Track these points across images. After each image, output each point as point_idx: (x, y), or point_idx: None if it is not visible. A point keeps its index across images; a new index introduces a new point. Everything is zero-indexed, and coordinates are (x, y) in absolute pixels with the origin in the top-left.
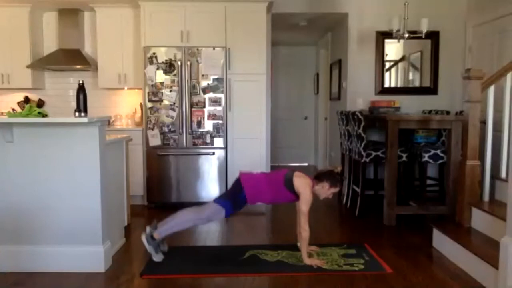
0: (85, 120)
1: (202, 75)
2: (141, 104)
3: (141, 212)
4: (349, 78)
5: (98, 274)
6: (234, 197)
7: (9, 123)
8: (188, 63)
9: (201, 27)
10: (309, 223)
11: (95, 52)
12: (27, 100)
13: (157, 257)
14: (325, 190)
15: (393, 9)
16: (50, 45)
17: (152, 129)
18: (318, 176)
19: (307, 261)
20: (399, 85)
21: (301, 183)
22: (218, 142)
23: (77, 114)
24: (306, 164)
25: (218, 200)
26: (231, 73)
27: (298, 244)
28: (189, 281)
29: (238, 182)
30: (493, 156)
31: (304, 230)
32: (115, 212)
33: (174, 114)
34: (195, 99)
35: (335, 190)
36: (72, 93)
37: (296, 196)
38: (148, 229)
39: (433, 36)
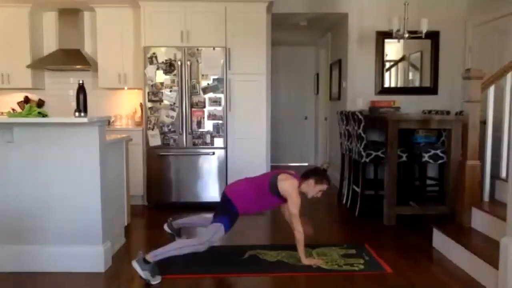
0: (85, 120)
1: (202, 75)
2: (141, 104)
3: (141, 212)
4: (349, 78)
5: (98, 274)
6: (228, 211)
7: (9, 123)
8: (188, 63)
9: (201, 27)
10: (308, 223)
11: (95, 52)
12: (27, 100)
13: (155, 280)
14: (312, 188)
15: (393, 9)
16: (50, 45)
17: (152, 129)
18: (304, 175)
19: (306, 261)
20: (399, 85)
21: (286, 186)
22: (218, 142)
23: (77, 114)
24: (306, 164)
25: (213, 220)
26: (231, 73)
27: None
28: (189, 281)
29: (224, 196)
30: (493, 156)
31: (297, 232)
32: (115, 212)
33: (174, 114)
34: (195, 99)
35: (322, 187)
36: (72, 93)
37: (283, 199)
38: (138, 255)
39: (433, 36)
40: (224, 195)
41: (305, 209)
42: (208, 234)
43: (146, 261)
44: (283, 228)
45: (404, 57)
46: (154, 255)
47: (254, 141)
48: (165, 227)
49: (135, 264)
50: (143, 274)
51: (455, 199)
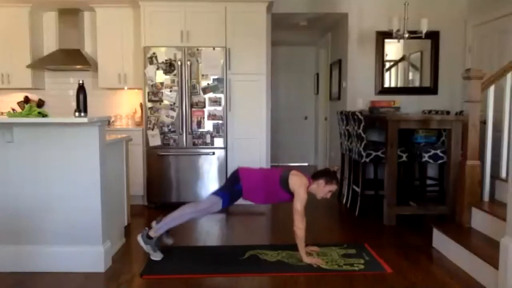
0: (85, 120)
1: (202, 75)
2: (141, 104)
3: (141, 212)
4: (349, 78)
5: (98, 274)
6: (231, 188)
7: (9, 123)
8: (188, 63)
9: (201, 27)
10: (308, 223)
11: (95, 52)
12: (27, 100)
13: (156, 256)
14: (322, 188)
15: (393, 9)
16: (50, 45)
17: (152, 129)
18: (314, 175)
19: (307, 259)
20: (399, 85)
21: (296, 181)
22: (218, 142)
23: (77, 114)
24: (306, 164)
25: (215, 192)
26: (231, 73)
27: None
28: (189, 281)
29: (235, 174)
30: (493, 156)
31: (298, 229)
32: (115, 212)
33: (174, 114)
34: (195, 99)
35: (331, 188)
36: (72, 93)
37: (291, 195)
38: (144, 230)
39: (433, 36)
40: (235, 172)
41: (306, 209)
42: (206, 203)
43: (149, 237)
44: (283, 228)
45: (404, 57)
46: (156, 230)
47: (254, 141)
48: (139, 239)
49: (139, 238)
50: (145, 247)
51: (455, 199)
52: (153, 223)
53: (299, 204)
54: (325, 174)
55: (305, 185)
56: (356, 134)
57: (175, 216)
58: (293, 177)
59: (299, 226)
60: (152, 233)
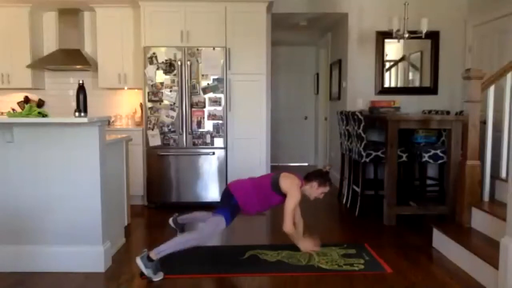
0: (85, 120)
1: (202, 75)
2: (141, 104)
3: (141, 212)
4: (349, 78)
5: (98, 274)
6: (228, 204)
7: (9, 123)
8: (188, 63)
9: (201, 27)
10: (309, 223)
11: (95, 52)
12: (27, 100)
13: (157, 277)
14: (315, 190)
15: (393, 9)
16: (50, 45)
17: (152, 129)
18: (307, 176)
19: (303, 248)
20: (399, 85)
21: (288, 183)
22: (218, 142)
23: (77, 114)
24: (306, 164)
25: (214, 213)
26: (231, 73)
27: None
28: (189, 281)
29: (227, 191)
30: (493, 156)
31: (285, 227)
32: (115, 212)
33: (174, 114)
34: (195, 99)
35: (324, 189)
36: (72, 93)
37: (284, 197)
38: (142, 252)
39: (433, 36)
40: (226, 189)
41: (306, 209)
42: (210, 226)
43: (150, 259)
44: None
45: (404, 57)
46: (158, 252)
47: (254, 141)
48: (170, 221)
49: (138, 261)
50: (146, 271)
51: (455, 199)
52: (170, 220)
53: (291, 202)
54: (319, 176)
55: (297, 185)
56: (356, 134)
57: (180, 241)
58: (283, 179)
59: (286, 224)
60: (153, 255)
